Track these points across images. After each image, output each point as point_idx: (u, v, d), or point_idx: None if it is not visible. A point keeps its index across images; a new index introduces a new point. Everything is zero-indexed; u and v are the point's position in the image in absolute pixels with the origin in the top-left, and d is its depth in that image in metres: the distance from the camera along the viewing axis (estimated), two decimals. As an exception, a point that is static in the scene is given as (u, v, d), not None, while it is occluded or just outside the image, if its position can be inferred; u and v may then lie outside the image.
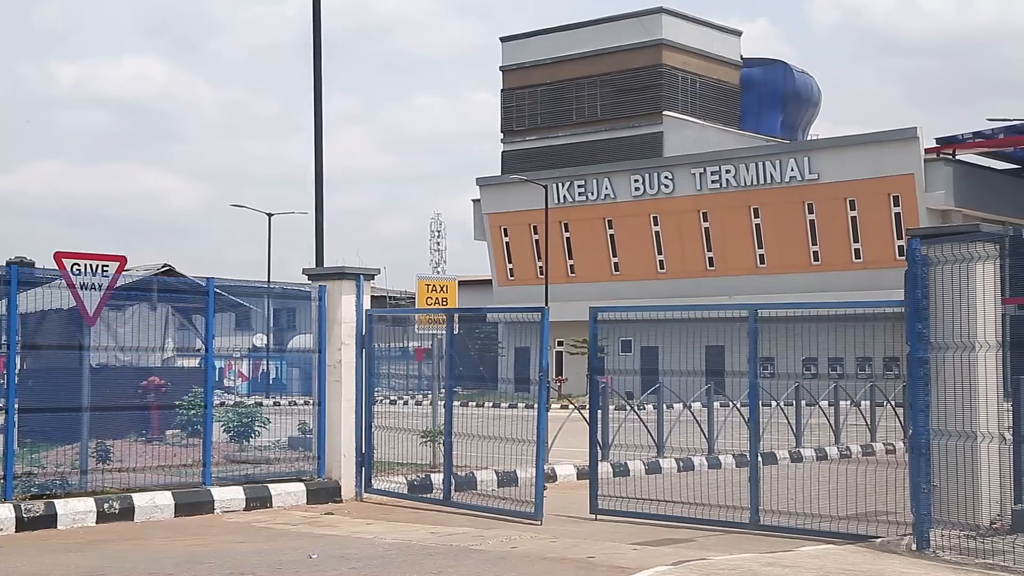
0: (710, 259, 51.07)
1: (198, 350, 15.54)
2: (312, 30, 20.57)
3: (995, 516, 10.23)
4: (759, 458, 12.40)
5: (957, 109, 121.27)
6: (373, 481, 14.62)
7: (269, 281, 43.39)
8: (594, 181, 54.00)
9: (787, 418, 22.44)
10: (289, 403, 19.60)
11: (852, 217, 46.96)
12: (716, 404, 21.51)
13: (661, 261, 52.52)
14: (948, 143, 47.75)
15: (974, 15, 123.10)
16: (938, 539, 9.83)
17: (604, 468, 15.64)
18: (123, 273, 13.24)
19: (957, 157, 47.65)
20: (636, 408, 21.17)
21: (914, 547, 9.75)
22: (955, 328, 10.27)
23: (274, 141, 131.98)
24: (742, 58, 57.30)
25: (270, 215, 55.90)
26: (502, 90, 59.57)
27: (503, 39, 60.00)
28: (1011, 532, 9.95)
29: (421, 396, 23.82)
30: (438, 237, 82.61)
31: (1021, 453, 10.60)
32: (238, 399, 22.71)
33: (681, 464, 18.05)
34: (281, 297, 21.66)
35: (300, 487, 13.98)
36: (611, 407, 20.01)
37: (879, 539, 10.28)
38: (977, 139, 47.92)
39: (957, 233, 10.77)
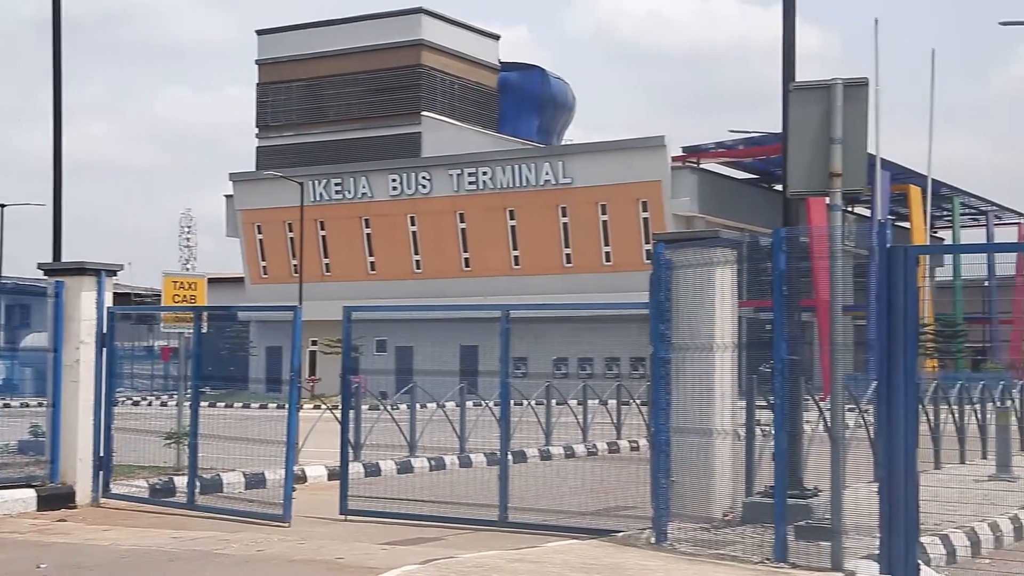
0: (466, 260, 51.58)
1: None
2: (52, 9, 19.50)
3: (727, 509, 10.71)
4: (509, 456, 12.56)
5: (702, 119, 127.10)
6: (112, 486, 13.98)
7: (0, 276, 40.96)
8: (351, 179, 53.61)
9: (538, 417, 22.89)
10: (21, 405, 18.51)
11: (603, 221, 48.39)
12: (469, 403, 21.71)
13: (417, 261, 52.66)
14: (693, 152, 49.94)
15: (719, 31, 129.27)
16: (675, 532, 10.19)
17: (356, 468, 15.51)
18: None
19: (701, 166, 49.89)
20: (389, 408, 21.12)
21: (653, 540, 10.08)
22: (695, 329, 10.69)
23: (12, 129, 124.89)
24: (500, 62, 58.13)
25: (3, 206, 52.83)
26: (258, 84, 58.35)
27: (259, 32, 58.79)
28: (741, 523, 10.44)
29: (167, 397, 22.99)
30: (188, 233, 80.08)
31: (753, 449, 11.14)
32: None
33: (433, 463, 18.10)
34: (13, 293, 20.43)
35: (30, 493, 13.20)
36: (365, 407, 19.89)
37: (621, 533, 10.57)
38: (720, 149, 50.37)
39: (698, 239, 11.23)
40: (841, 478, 8.84)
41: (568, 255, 49.35)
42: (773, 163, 44.87)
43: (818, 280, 12.48)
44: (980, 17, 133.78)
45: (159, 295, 18.12)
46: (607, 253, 48.42)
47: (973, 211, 60.84)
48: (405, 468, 17.58)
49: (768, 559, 9.02)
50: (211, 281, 19.36)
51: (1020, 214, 59.99)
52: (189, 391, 14.31)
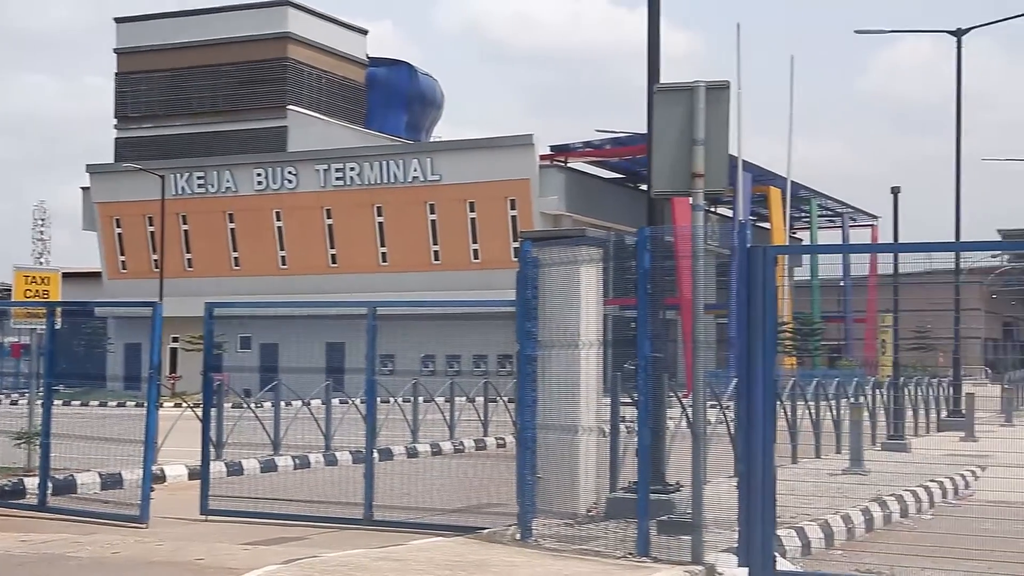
0: (333, 256, 51.06)
1: None
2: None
3: (592, 504, 10.81)
4: (375, 454, 12.46)
5: (570, 119, 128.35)
6: (-42, 488, 13.43)
7: None
8: (215, 173, 52.57)
9: (404, 414, 22.78)
10: None
11: (471, 219, 48.45)
12: (335, 401, 21.48)
13: (283, 257, 51.93)
14: (561, 151, 50.34)
15: (587, 33, 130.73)
16: (540, 528, 10.24)
17: (217, 467, 15.19)
18: None
19: (569, 165, 50.32)
20: (253, 406, 20.77)
21: (519, 536, 10.10)
22: (561, 327, 10.76)
23: None
24: (368, 57, 57.70)
25: None
26: (116, 74, 56.77)
27: (117, 20, 57.18)
28: (605, 519, 10.55)
29: (17, 395, 22.24)
30: (42, 226, 77.37)
31: (617, 445, 11.27)
32: None
33: (298, 462, 17.86)
34: None
35: None
36: (227, 405, 19.51)
37: (487, 530, 10.58)
38: (587, 148, 50.89)
39: (565, 237, 11.30)
40: (702, 473, 8.99)
41: (436, 252, 49.27)
42: (639, 163, 45.54)
43: (682, 279, 12.69)
44: (840, 25, 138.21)
45: (9, 290, 17.48)
46: (475, 250, 48.49)
47: (830, 213, 62.76)
48: (269, 467, 17.30)
49: (631, 553, 9.13)
50: (66, 276, 18.76)
51: (874, 216, 62.11)
52: (41, 389, 13.83)
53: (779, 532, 9.40)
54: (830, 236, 62.69)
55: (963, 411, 25.65)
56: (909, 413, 23.99)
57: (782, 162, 50.05)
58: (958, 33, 31.14)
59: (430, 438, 22.07)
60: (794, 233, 61.61)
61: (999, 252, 61.37)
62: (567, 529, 10.32)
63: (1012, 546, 10.23)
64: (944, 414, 28.06)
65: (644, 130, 10.77)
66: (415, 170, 49.04)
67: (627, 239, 10.88)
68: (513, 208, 47.52)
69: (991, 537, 10.57)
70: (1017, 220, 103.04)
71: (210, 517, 12.38)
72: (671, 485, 10.63)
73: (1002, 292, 59.55)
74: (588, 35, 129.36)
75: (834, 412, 19.84)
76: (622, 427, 11.55)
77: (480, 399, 25.27)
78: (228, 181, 52.36)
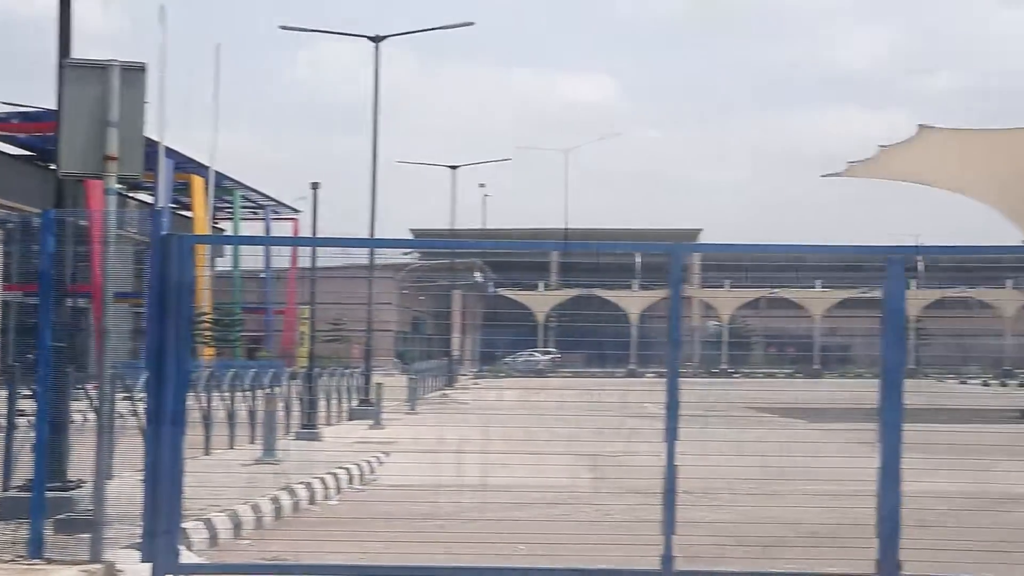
0: None
1: None
2: None
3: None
4: None
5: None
6: None
7: None
8: None
9: None
10: None
11: None
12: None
13: None
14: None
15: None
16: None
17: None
18: None
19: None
20: None
21: None
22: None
23: None
24: None
25: None
26: None
27: None
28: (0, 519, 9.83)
29: None
30: None
31: (12, 440, 10.53)
32: None
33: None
34: None
35: None
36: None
37: None
38: (-6, 122, 47.07)
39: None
40: (107, 468, 8.66)
41: None
42: (51, 140, 42.90)
43: (94, 265, 12.14)
44: (270, 19, 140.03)
45: None
46: None
47: (253, 205, 63.28)
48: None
49: (21, 556, 8.57)
50: None
51: (296, 210, 63.58)
52: None
53: (187, 525, 9.30)
54: (254, 228, 63.22)
55: (372, 401, 27.01)
56: (323, 403, 24.79)
57: (207, 151, 49.60)
58: (376, 39, 32.76)
59: None
60: (217, 223, 61.39)
61: (410, 250, 65.70)
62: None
63: (410, 526, 10.91)
64: (355, 403, 29.35)
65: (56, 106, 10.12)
66: None
67: (35, 221, 10.22)
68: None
69: (392, 519, 11.20)
70: (428, 221, 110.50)
71: None
72: (72, 482, 10.12)
73: (412, 287, 63.56)
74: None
75: (250, 403, 20.01)
76: (24, 421, 10.82)
77: None
78: None
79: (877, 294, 8.31)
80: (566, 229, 72.51)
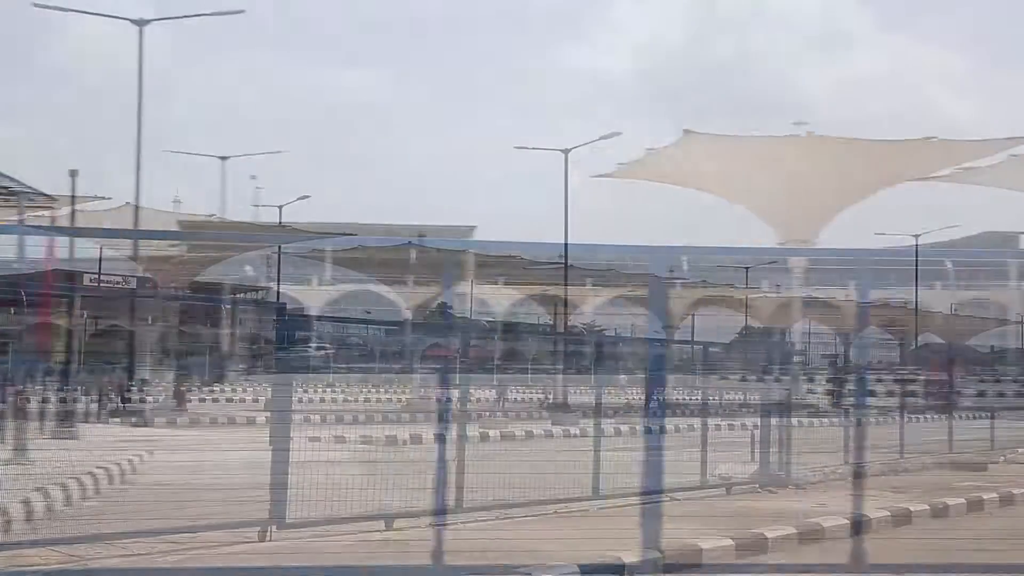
0: None
1: None
2: None
3: None
4: None
5: None
6: None
7: None
8: None
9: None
10: None
11: None
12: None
13: None
14: None
15: None
16: None
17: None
18: None
19: None
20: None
21: None
22: None
23: None
24: None
25: None
26: None
27: None
28: None
29: None
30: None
31: None
32: None
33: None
34: None
35: None
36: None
37: None
38: None
39: None
40: None
41: None
42: None
43: None
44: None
45: None
46: None
47: (5, 192, 59.94)
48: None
49: None
50: None
51: (52, 198, 60.39)
52: None
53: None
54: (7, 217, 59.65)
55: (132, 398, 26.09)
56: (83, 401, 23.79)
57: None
58: (140, 23, 31.69)
59: None
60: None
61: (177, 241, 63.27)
62: None
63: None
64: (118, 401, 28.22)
65: None
66: None
67: None
68: None
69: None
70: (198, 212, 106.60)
71: None
72: None
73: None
74: None
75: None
76: None
77: None
78: None
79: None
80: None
